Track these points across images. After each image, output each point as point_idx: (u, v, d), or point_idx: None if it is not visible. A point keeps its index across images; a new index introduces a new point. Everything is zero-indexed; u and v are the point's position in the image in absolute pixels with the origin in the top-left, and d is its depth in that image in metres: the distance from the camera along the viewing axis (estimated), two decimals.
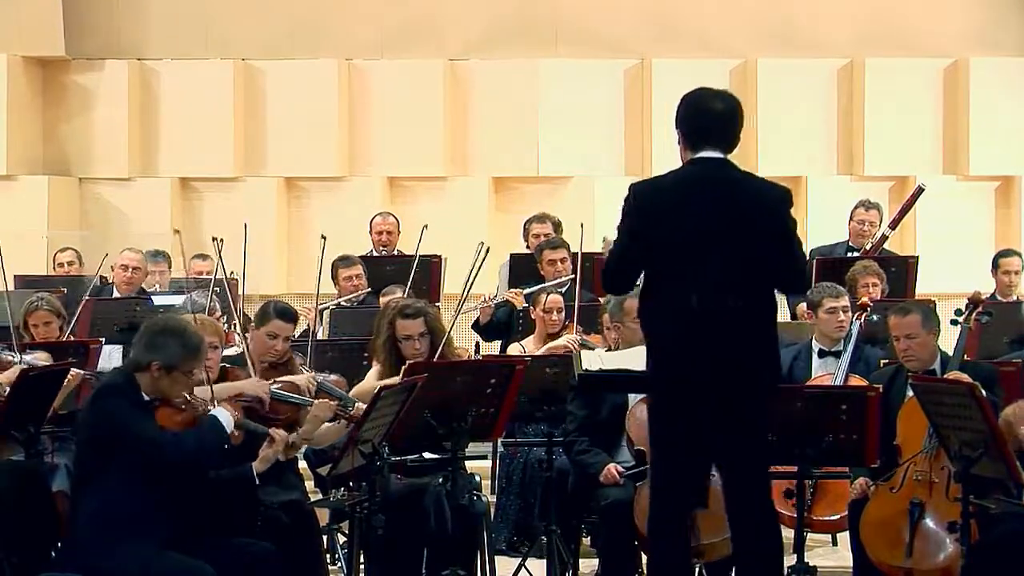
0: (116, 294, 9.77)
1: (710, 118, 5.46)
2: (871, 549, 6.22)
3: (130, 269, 9.94)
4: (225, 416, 5.66)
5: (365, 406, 6.19)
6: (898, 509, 6.11)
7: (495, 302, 9.38)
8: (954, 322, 6.76)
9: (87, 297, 8.93)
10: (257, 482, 5.88)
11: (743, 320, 5.36)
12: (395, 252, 10.68)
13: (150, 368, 5.56)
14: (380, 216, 10.97)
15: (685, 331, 5.35)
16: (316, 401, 6.23)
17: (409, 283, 9.35)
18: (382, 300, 8.79)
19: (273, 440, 5.90)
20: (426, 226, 10.12)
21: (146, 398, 5.58)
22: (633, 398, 6.72)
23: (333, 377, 6.69)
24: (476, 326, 9.53)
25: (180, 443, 5.52)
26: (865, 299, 8.04)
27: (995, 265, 10.03)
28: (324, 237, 9.14)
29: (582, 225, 9.28)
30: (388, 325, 7.03)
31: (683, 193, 5.45)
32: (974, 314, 6.93)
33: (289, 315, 6.68)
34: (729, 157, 5.48)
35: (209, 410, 5.68)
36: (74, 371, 6.89)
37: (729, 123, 5.48)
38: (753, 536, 5.43)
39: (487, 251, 8.05)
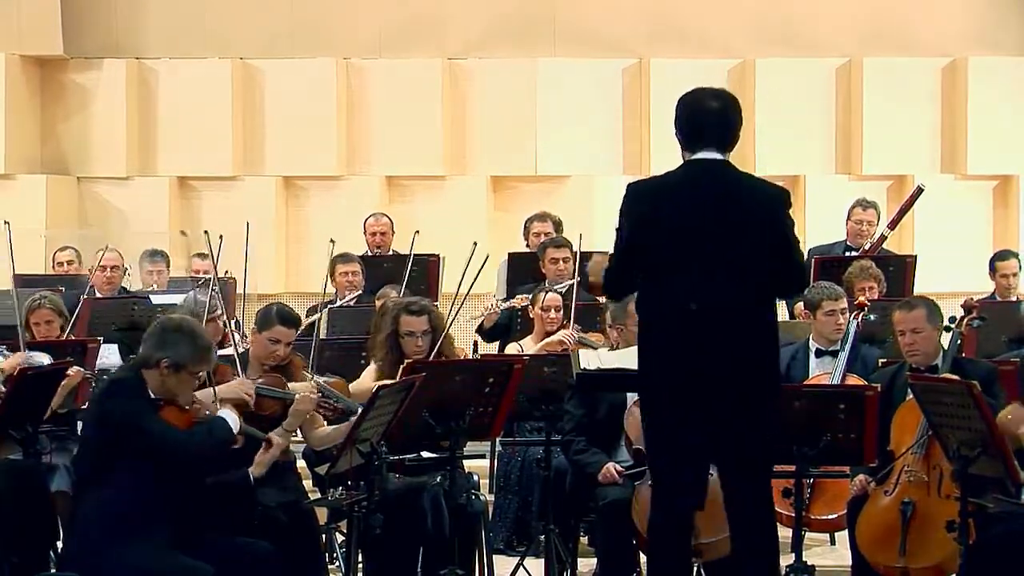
0: (97, 295, 9.65)
1: (705, 118, 5.44)
2: (868, 552, 6.23)
3: (109, 268, 9.93)
4: (232, 418, 5.71)
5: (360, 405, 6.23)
6: (891, 510, 6.13)
7: (501, 308, 9.35)
8: (947, 328, 6.77)
9: (84, 296, 8.94)
10: (254, 484, 5.90)
11: (743, 319, 5.36)
12: (390, 252, 10.67)
13: (159, 366, 5.57)
14: (373, 217, 10.94)
15: (684, 331, 5.35)
16: (297, 395, 6.23)
17: (405, 282, 9.34)
18: (377, 303, 8.76)
19: (270, 445, 5.92)
20: (417, 231, 10.10)
21: (152, 396, 5.58)
22: (631, 397, 6.71)
23: (332, 380, 6.70)
24: (480, 330, 9.53)
25: (191, 441, 5.56)
26: (862, 299, 8.04)
27: (992, 268, 10.02)
28: (333, 241, 9.16)
29: (580, 236, 9.28)
30: (392, 321, 7.03)
31: (680, 193, 5.45)
32: (966, 320, 6.95)
33: (292, 321, 6.68)
34: (728, 157, 5.49)
35: (213, 412, 5.70)
36: (75, 369, 6.90)
37: (725, 122, 5.46)
38: (749, 534, 5.44)
39: (477, 250, 8.05)
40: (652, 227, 5.41)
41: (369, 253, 10.62)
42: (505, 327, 9.38)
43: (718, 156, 5.44)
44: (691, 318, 5.34)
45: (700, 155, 5.45)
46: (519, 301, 9.22)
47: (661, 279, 5.41)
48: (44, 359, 6.97)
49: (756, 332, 5.40)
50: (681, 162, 5.53)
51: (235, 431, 5.69)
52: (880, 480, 6.29)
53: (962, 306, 7.06)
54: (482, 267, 7.57)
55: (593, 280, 5.82)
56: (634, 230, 5.44)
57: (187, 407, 5.65)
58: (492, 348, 9.68)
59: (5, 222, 8.30)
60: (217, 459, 5.70)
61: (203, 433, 5.62)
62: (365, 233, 10.78)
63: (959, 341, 6.78)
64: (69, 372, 6.85)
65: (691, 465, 5.41)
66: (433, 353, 6.89)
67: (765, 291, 5.44)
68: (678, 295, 5.36)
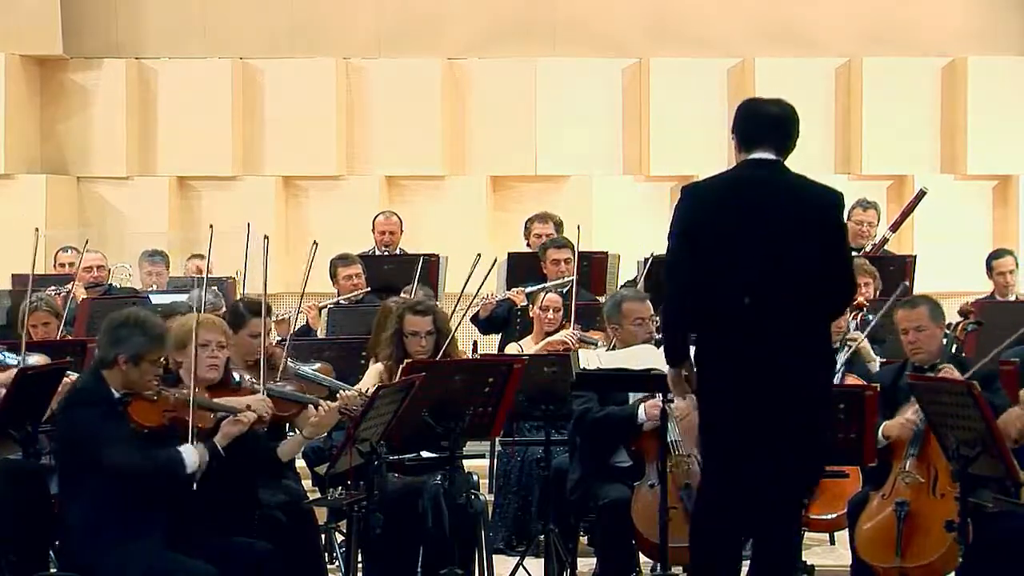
0: (83, 295, 9.49)
1: (763, 119, 5.54)
2: (865, 554, 6.22)
3: (95, 269, 9.91)
4: (191, 458, 5.54)
5: (353, 391, 6.25)
6: (888, 512, 6.14)
7: (497, 299, 9.38)
8: (944, 335, 6.79)
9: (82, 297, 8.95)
10: (223, 455, 5.71)
11: (794, 318, 5.36)
12: (398, 251, 10.66)
13: (118, 362, 5.53)
14: (383, 215, 10.97)
15: (737, 326, 5.36)
16: (321, 408, 6.19)
17: (415, 282, 9.33)
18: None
19: (237, 415, 5.76)
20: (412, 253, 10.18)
21: (117, 394, 5.54)
22: (633, 397, 6.72)
23: (317, 365, 6.69)
24: (475, 320, 9.52)
25: (143, 466, 5.45)
26: (860, 298, 8.04)
27: (989, 267, 10.00)
28: (316, 243, 9.15)
29: (579, 227, 9.30)
30: (397, 320, 7.04)
31: (733, 192, 5.51)
32: (962, 325, 6.96)
33: (261, 311, 6.66)
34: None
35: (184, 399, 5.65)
36: (70, 373, 6.87)
37: (782, 125, 5.54)
38: (772, 539, 5.47)
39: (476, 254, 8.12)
40: (706, 226, 5.45)
41: (376, 251, 10.61)
42: (503, 320, 9.39)
43: (773, 157, 5.48)
44: (744, 313, 5.35)
45: (755, 155, 5.50)
46: (516, 295, 9.23)
47: (714, 278, 5.42)
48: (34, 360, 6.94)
49: (805, 341, 5.40)
50: (735, 164, 5.62)
51: (190, 470, 5.53)
52: (875, 487, 6.31)
53: (959, 311, 7.07)
54: (488, 272, 7.56)
55: None
56: (688, 229, 5.47)
57: (154, 398, 5.59)
58: (492, 348, 9.69)
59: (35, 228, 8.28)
60: (164, 482, 5.55)
61: (155, 464, 5.49)
62: (374, 231, 10.78)
63: (955, 344, 6.77)
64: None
65: (744, 461, 5.39)
66: (440, 354, 6.89)
67: (816, 293, 5.42)
68: (731, 292, 5.37)
